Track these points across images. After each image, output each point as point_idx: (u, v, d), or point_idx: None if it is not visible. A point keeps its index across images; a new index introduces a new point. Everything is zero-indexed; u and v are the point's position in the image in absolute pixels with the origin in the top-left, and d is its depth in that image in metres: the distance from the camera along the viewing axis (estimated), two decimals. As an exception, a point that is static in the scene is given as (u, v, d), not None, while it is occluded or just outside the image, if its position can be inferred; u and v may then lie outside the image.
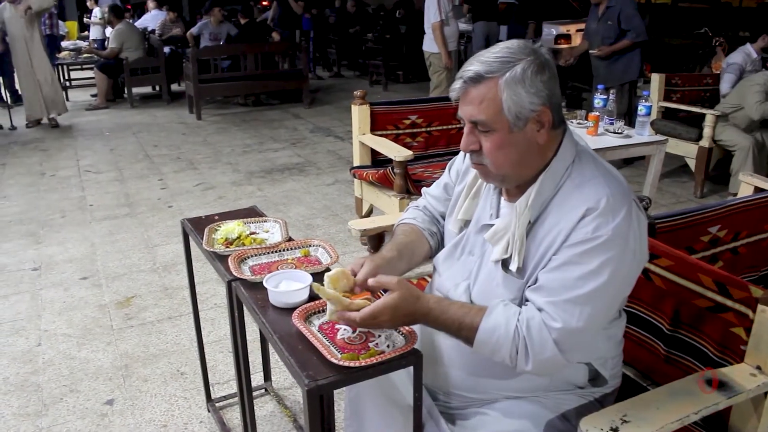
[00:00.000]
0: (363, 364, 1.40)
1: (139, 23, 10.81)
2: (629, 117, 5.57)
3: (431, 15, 6.46)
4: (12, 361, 3.07)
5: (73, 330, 3.33)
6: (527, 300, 1.44)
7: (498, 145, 1.42)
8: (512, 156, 1.43)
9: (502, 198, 1.57)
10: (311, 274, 1.74)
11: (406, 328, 1.51)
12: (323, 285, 1.47)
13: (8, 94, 8.75)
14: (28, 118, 7.88)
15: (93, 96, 9.65)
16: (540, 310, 1.40)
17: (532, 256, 1.45)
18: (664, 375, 1.88)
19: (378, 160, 4.14)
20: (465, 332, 1.44)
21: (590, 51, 5.88)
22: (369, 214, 4.29)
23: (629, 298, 1.80)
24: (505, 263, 1.49)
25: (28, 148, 7.06)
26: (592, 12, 5.97)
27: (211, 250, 1.99)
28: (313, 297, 1.66)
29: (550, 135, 1.44)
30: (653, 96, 5.42)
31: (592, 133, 4.19)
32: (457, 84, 1.42)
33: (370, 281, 1.47)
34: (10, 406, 2.74)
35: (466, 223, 1.64)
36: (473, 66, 1.40)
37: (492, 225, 1.52)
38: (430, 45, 6.64)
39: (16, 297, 3.70)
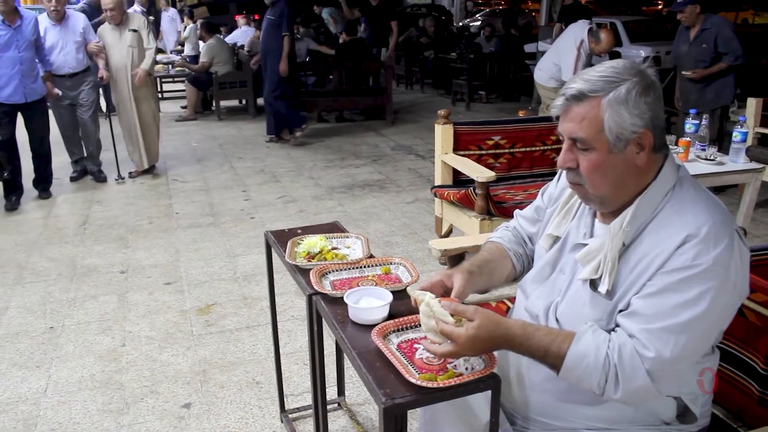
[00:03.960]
0: (440, 385, 1.38)
1: (229, 39, 11.17)
2: (720, 142, 5.35)
3: (565, 70, 6.11)
4: (98, 358, 3.20)
5: (155, 333, 3.44)
6: (618, 325, 1.40)
7: (596, 164, 1.40)
8: (609, 177, 1.41)
9: (597, 219, 1.54)
10: (391, 292, 1.73)
11: None
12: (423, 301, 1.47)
13: (105, 103, 8.22)
14: (137, 168, 6.52)
15: (183, 108, 10.02)
16: (632, 336, 1.36)
17: (623, 279, 1.41)
18: (757, 418, 1.78)
19: (459, 180, 4.12)
20: (551, 359, 1.40)
21: (683, 73, 5.68)
22: (448, 233, 4.27)
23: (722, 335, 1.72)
24: (593, 283, 1.46)
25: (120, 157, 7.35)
26: (681, 34, 5.77)
27: (293, 263, 2.01)
28: (392, 315, 1.66)
29: (651, 158, 1.41)
30: (749, 121, 5.18)
31: (683, 158, 4.04)
32: (559, 101, 1.41)
33: (451, 306, 1.45)
34: (95, 402, 2.85)
35: (556, 240, 1.61)
36: (576, 84, 1.39)
37: (585, 245, 1.50)
38: (540, 76, 6.47)
39: (104, 298, 3.85)
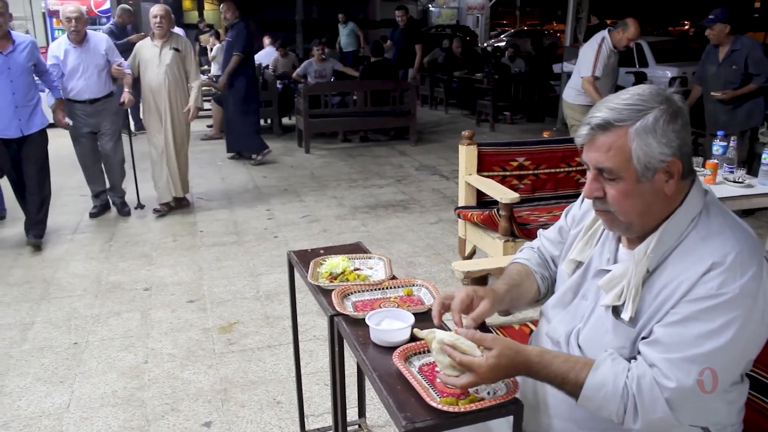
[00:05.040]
0: (462, 409, 1.37)
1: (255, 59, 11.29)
2: (750, 165, 5.28)
3: (583, 66, 5.88)
4: (121, 375, 3.21)
5: (177, 350, 3.45)
6: (639, 353, 1.38)
7: (624, 193, 1.37)
8: (638, 205, 1.38)
9: (621, 245, 1.52)
10: (413, 314, 1.72)
11: None
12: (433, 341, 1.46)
13: (132, 122, 7.96)
14: (160, 201, 5.96)
15: (209, 126, 10.12)
16: (652, 365, 1.33)
17: (647, 306, 1.39)
18: (789, 449, 1.73)
19: (483, 201, 4.09)
20: (569, 387, 1.39)
21: (712, 94, 5.61)
22: (472, 255, 4.24)
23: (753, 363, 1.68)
24: (616, 310, 1.44)
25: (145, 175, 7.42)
26: (709, 54, 5.70)
27: (316, 283, 2.01)
28: (414, 338, 1.64)
29: (678, 185, 1.39)
30: (778, 144, 5.12)
31: (710, 181, 3.99)
32: (584, 130, 1.39)
33: (467, 334, 1.43)
34: (116, 419, 2.86)
35: (579, 265, 1.59)
36: (602, 113, 1.37)
37: (609, 271, 1.48)
38: (568, 94, 6.20)
39: (128, 315, 3.88)
